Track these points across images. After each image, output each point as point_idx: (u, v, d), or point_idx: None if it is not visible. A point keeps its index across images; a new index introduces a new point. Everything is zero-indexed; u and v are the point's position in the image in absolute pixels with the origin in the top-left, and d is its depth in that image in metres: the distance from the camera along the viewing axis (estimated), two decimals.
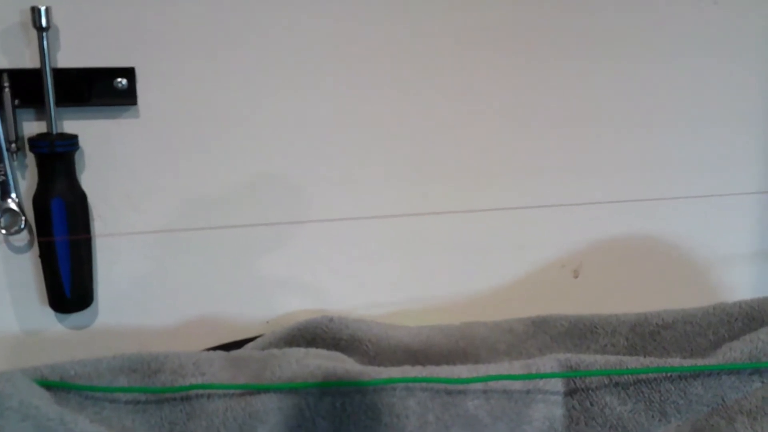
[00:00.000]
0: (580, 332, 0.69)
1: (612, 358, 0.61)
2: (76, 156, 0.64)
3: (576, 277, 0.80)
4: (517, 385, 0.59)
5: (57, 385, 0.55)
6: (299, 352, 0.60)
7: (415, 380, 0.58)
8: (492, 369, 0.60)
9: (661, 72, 0.76)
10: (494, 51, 0.71)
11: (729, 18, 0.76)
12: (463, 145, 0.73)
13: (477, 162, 0.74)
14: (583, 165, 0.77)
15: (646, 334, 0.68)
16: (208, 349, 0.66)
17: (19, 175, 0.63)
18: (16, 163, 0.63)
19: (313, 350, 0.62)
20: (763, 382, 0.60)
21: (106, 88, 0.63)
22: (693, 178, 0.80)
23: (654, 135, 0.77)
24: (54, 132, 0.62)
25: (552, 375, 0.60)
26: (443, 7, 0.69)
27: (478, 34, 0.71)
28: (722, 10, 0.76)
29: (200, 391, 0.57)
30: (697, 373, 0.60)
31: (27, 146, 0.62)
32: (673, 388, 0.60)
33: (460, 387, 0.58)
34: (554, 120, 0.75)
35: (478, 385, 0.59)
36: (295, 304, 0.73)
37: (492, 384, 0.59)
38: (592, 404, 0.60)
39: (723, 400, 0.60)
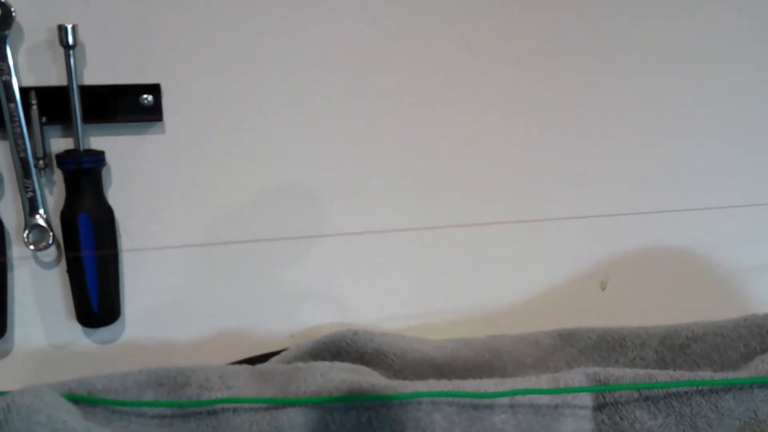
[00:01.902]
0: (608, 345, 0.68)
1: (641, 372, 0.60)
2: (103, 172, 0.64)
3: (603, 289, 0.79)
4: (544, 399, 0.59)
5: (84, 400, 0.55)
6: (324, 365, 0.60)
7: (441, 394, 0.57)
8: (519, 383, 0.60)
9: (686, 81, 0.75)
10: (514, 61, 0.71)
11: (754, 26, 0.75)
12: (488, 157, 0.73)
13: (502, 173, 0.74)
14: (609, 176, 0.76)
15: (675, 346, 0.67)
16: (234, 363, 0.66)
17: (47, 191, 0.64)
18: (44, 180, 0.64)
19: (338, 364, 0.61)
20: None
21: (132, 105, 0.64)
22: (722, 189, 0.78)
23: (681, 145, 0.77)
24: (81, 148, 0.62)
25: (580, 390, 0.59)
26: (459, 19, 0.69)
27: (495, 45, 0.70)
28: (745, 18, 0.75)
29: (226, 405, 0.57)
30: (728, 387, 0.59)
31: (54, 163, 0.63)
32: (704, 402, 0.59)
33: (487, 401, 0.58)
34: (581, 131, 0.74)
35: (505, 399, 0.58)
36: (320, 318, 0.73)
37: (519, 398, 0.58)
38: (621, 419, 0.59)
39: (755, 413, 0.59)
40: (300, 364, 0.61)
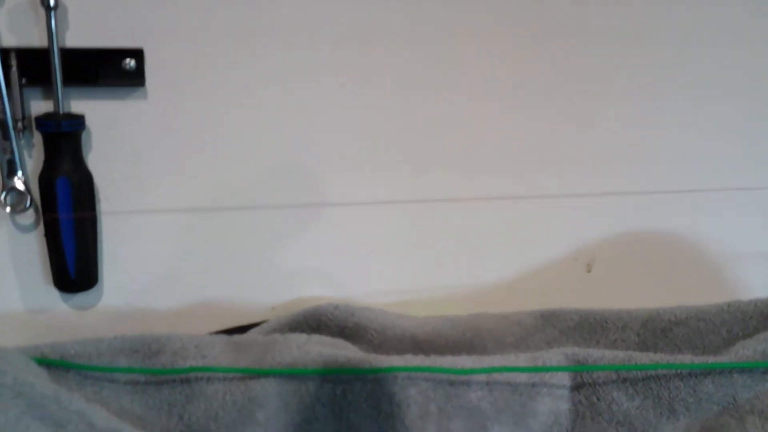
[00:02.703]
0: (590, 327, 0.68)
1: (620, 353, 0.60)
2: (83, 136, 0.63)
3: (589, 271, 0.79)
4: (522, 377, 0.58)
5: (56, 364, 0.55)
6: (301, 338, 0.60)
7: (417, 369, 0.57)
8: (497, 360, 0.59)
9: (678, 63, 0.74)
10: (506, 39, 0.70)
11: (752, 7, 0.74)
12: (478, 134, 0.72)
13: (493, 150, 0.73)
14: (598, 156, 0.75)
15: (657, 330, 0.66)
16: (212, 333, 0.66)
17: (26, 154, 0.63)
18: (22, 142, 0.63)
19: (315, 337, 0.61)
20: None
21: (114, 69, 0.63)
22: (710, 172, 0.78)
23: (671, 128, 0.76)
24: (61, 112, 0.61)
25: (558, 369, 0.59)
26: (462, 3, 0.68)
27: (488, 24, 0.69)
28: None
29: (200, 374, 0.56)
30: (708, 371, 0.58)
31: (34, 125, 0.62)
32: (682, 386, 0.58)
33: (463, 378, 0.57)
34: (571, 110, 0.73)
35: (482, 376, 0.58)
36: (301, 291, 0.72)
37: (496, 376, 0.58)
38: (598, 399, 0.59)
39: (734, 399, 0.58)
40: (277, 336, 0.60)
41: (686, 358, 0.60)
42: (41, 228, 0.64)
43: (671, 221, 0.79)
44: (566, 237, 0.77)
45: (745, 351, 0.60)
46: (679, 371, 0.59)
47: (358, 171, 0.70)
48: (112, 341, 0.57)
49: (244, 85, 0.66)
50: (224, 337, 0.61)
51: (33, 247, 0.65)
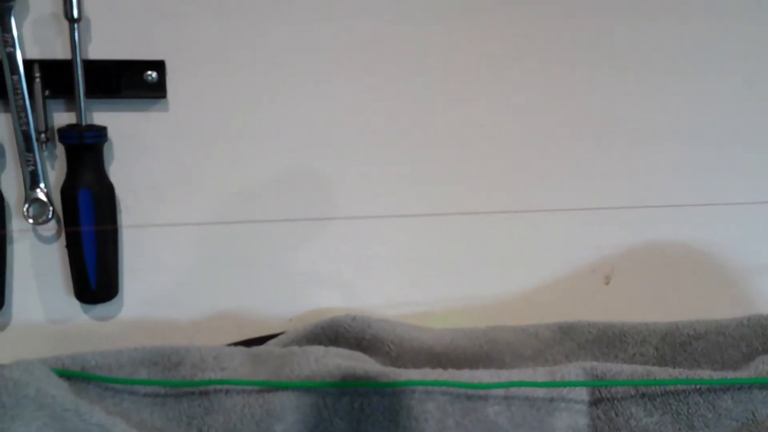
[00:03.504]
0: (609, 340, 0.67)
1: (639, 368, 0.60)
2: (105, 148, 0.64)
3: (607, 282, 0.78)
4: (540, 392, 0.58)
5: (77, 375, 0.55)
6: (319, 350, 0.60)
7: (434, 383, 0.57)
8: (515, 375, 0.59)
9: (694, 77, 0.74)
10: (518, 53, 0.70)
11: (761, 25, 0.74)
12: (494, 146, 0.72)
13: (508, 163, 0.73)
14: (618, 168, 0.75)
15: (676, 344, 0.66)
16: (231, 345, 0.66)
17: (48, 165, 0.64)
18: (45, 154, 0.63)
19: (333, 349, 0.61)
20: None
21: (136, 81, 0.63)
22: (731, 185, 0.77)
23: (691, 141, 0.75)
24: (83, 123, 0.62)
25: (577, 384, 0.59)
26: (461, 11, 0.68)
27: (498, 37, 0.69)
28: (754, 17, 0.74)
29: (219, 387, 0.57)
30: (727, 387, 0.58)
31: (56, 137, 0.63)
32: (701, 401, 0.58)
33: (481, 392, 0.57)
34: (588, 122, 0.73)
35: (500, 391, 0.57)
36: (320, 302, 0.72)
37: (514, 390, 0.58)
38: (617, 415, 0.59)
39: (753, 415, 0.58)
40: (295, 348, 0.60)
41: (705, 374, 0.59)
42: (63, 239, 0.65)
43: (689, 234, 0.78)
44: (584, 249, 0.77)
45: (765, 366, 0.59)
46: (698, 387, 0.58)
47: (376, 183, 0.71)
48: (132, 353, 0.58)
49: (264, 98, 0.66)
50: (243, 349, 0.61)
51: (54, 258, 0.66)
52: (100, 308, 0.68)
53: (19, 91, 0.60)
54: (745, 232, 0.79)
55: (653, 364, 0.64)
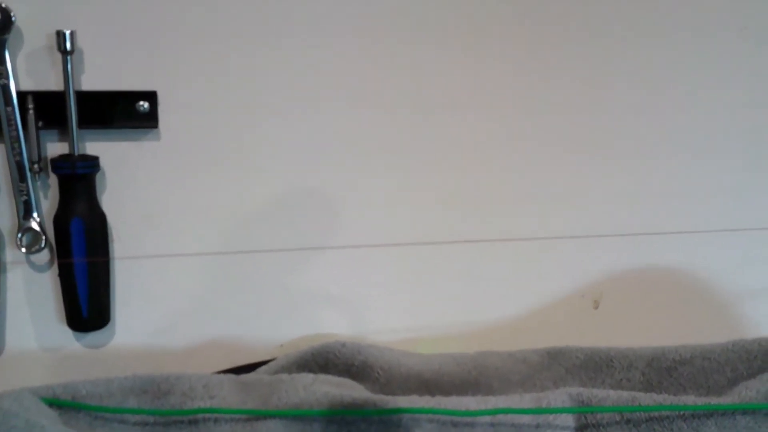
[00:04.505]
0: (596, 365, 0.68)
1: (625, 394, 0.60)
2: (97, 177, 0.65)
3: (596, 307, 0.79)
4: (526, 419, 0.59)
5: (67, 405, 0.55)
6: (308, 378, 0.60)
7: (421, 411, 0.57)
8: (501, 401, 0.60)
9: (685, 104, 0.75)
10: (510, 82, 0.71)
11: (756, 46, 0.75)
12: (484, 175, 0.73)
13: (498, 191, 0.74)
14: (605, 195, 0.76)
15: (662, 369, 0.67)
16: (221, 372, 0.67)
17: (41, 195, 0.65)
18: (38, 183, 0.64)
19: (322, 376, 0.62)
20: None
21: (128, 111, 0.64)
22: (717, 212, 0.78)
23: (676, 167, 0.76)
24: (76, 153, 0.63)
25: (562, 410, 0.59)
26: (468, 35, 0.69)
27: (495, 69, 0.71)
28: (749, 38, 0.75)
29: (208, 415, 0.57)
30: (711, 412, 0.59)
31: (49, 167, 0.63)
32: (685, 427, 0.58)
33: (468, 419, 0.58)
34: (578, 151, 0.74)
35: (487, 418, 0.58)
36: (310, 328, 0.73)
37: (501, 417, 0.58)
38: None
39: None
40: (283, 376, 0.61)
41: (689, 400, 0.60)
42: (55, 268, 0.65)
43: (677, 259, 0.79)
44: (573, 274, 0.78)
45: (749, 392, 0.60)
46: (682, 412, 0.59)
47: (366, 212, 0.72)
48: (123, 381, 0.58)
49: (256, 128, 0.68)
50: (232, 376, 0.62)
51: (47, 286, 0.66)
52: (92, 336, 0.68)
53: (12, 123, 0.61)
54: (731, 258, 0.80)
55: (640, 390, 0.65)
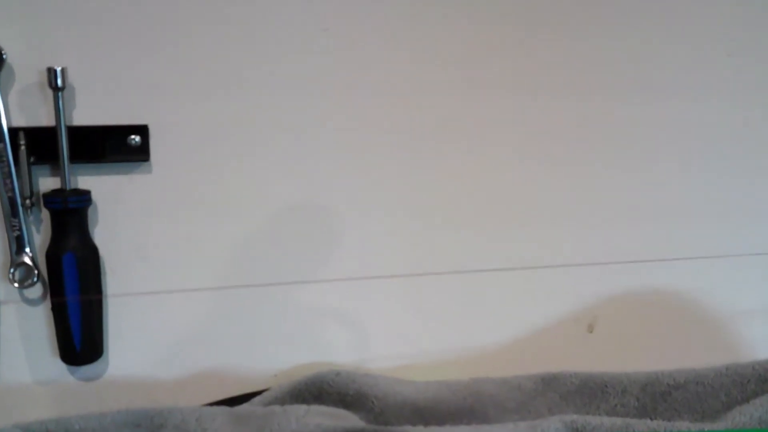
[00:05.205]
0: (591, 391, 0.68)
1: (618, 421, 0.60)
2: (90, 210, 0.65)
3: (591, 331, 0.79)
4: None
5: None
6: (300, 409, 0.60)
7: None
8: (496, 430, 0.59)
9: (678, 129, 0.76)
10: (508, 111, 0.72)
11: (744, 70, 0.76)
12: (479, 205, 0.74)
13: (493, 221, 0.74)
14: (599, 221, 0.76)
15: (657, 394, 0.67)
16: (215, 403, 0.67)
17: (33, 229, 0.65)
18: (31, 218, 0.64)
19: (314, 407, 0.61)
20: None
21: (119, 145, 0.65)
22: (710, 237, 0.79)
23: (670, 192, 0.77)
24: (68, 188, 0.63)
25: None
26: (460, 55, 0.70)
27: (491, 82, 0.71)
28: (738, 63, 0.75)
29: None
30: None
31: (42, 202, 0.64)
32: None
33: None
34: (571, 177, 0.75)
35: None
36: (303, 358, 0.73)
37: None
38: None
39: None
40: (276, 408, 0.61)
41: (683, 425, 0.60)
42: (48, 302, 0.66)
43: (671, 283, 0.80)
44: (567, 300, 0.78)
45: (742, 417, 0.60)
46: None
47: (359, 243, 0.72)
48: (116, 415, 0.58)
49: (247, 160, 0.68)
50: (225, 409, 0.62)
51: (40, 320, 0.67)
52: (86, 369, 0.68)
53: (4, 159, 0.62)
54: (724, 281, 0.80)
55: (634, 415, 0.65)
